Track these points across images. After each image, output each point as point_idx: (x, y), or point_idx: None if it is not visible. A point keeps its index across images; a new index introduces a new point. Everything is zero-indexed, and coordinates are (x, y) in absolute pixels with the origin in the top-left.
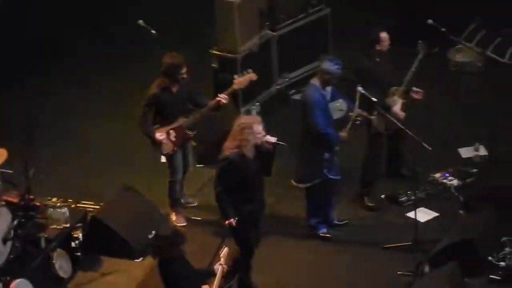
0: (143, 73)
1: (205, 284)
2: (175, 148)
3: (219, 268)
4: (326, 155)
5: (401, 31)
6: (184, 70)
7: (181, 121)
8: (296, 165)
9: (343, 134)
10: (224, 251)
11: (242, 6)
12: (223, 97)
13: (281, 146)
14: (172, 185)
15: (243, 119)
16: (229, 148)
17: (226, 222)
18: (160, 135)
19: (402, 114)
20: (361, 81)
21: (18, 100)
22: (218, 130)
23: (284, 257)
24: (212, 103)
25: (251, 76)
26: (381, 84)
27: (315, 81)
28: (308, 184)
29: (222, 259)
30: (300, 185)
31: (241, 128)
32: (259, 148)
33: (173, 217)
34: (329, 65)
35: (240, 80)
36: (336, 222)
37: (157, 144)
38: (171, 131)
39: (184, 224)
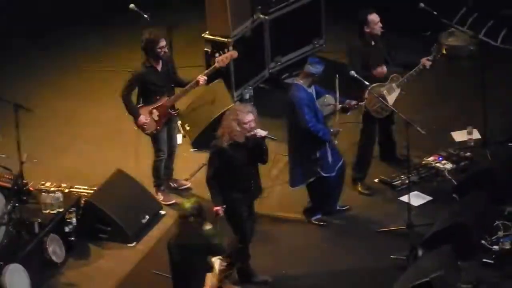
0: (134, 57)
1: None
2: (158, 128)
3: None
4: (318, 153)
5: (394, 15)
6: (162, 44)
7: (164, 100)
8: (289, 168)
9: (334, 128)
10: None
11: None
12: (202, 79)
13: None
14: (158, 165)
15: (234, 107)
16: (219, 135)
17: (214, 209)
18: (143, 118)
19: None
20: (350, 62)
21: (7, 82)
22: (211, 114)
23: (281, 244)
24: (192, 83)
25: (231, 53)
26: (369, 69)
27: (298, 81)
28: (304, 184)
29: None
30: (295, 188)
31: (227, 115)
32: (250, 139)
33: (160, 196)
34: (310, 68)
35: (221, 59)
36: (339, 208)
37: (139, 124)
38: (154, 110)
39: (173, 201)
